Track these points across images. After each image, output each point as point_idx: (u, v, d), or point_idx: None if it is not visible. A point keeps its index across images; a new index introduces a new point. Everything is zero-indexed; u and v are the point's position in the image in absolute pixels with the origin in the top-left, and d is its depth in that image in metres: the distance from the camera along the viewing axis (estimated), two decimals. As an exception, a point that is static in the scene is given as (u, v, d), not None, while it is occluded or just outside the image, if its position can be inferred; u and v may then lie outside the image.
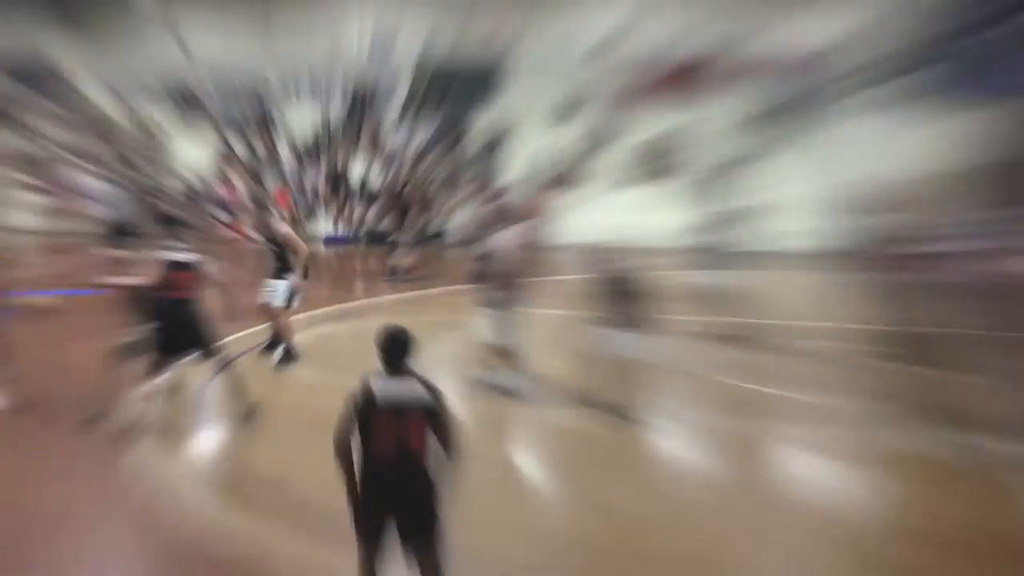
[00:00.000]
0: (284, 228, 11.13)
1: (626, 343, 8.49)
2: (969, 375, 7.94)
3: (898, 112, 31.02)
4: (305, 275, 11.11)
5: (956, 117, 31.92)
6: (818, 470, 7.51)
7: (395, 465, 4.93)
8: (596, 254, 8.77)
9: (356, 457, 4.95)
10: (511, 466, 7.59)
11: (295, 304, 10.98)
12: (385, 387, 4.97)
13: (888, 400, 9.21)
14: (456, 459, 4.99)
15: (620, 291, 8.58)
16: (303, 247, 11.17)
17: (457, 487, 4.97)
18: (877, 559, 5.92)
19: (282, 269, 10.88)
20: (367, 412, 4.94)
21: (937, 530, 6.20)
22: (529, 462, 7.82)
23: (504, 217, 9.88)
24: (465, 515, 5.10)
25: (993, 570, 5.80)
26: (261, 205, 11.46)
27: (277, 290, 10.83)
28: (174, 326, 8.39)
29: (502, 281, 9.26)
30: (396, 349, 5.04)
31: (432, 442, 4.96)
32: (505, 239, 9.40)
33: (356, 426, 4.94)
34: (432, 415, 4.96)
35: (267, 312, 10.94)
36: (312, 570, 5.75)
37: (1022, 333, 8.39)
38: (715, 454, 7.92)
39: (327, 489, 5.23)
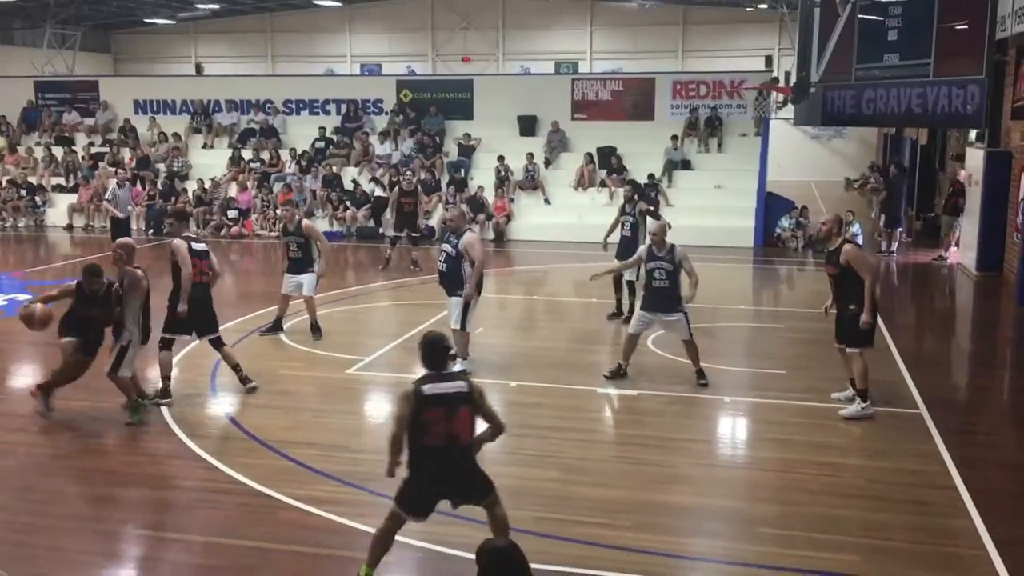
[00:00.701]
0: (307, 222, 11.70)
1: None
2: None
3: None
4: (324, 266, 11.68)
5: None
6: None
7: (447, 454, 5.24)
8: None
9: (413, 448, 5.23)
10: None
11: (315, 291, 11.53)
12: (433, 388, 5.23)
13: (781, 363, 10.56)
14: (500, 433, 5.43)
15: None
16: (325, 240, 11.79)
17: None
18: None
19: (305, 261, 11.44)
20: (420, 410, 5.18)
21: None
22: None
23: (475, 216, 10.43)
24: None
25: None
26: (290, 203, 12.27)
27: (304, 282, 11.39)
28: (198, 306, 9.13)
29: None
30: (438, 354, 5.41)
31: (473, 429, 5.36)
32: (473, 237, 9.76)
33: (409, 423, 5.19)
34: (474, 404, 5.32)
35: (284, 300, 11.62)
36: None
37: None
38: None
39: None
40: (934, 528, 6.40)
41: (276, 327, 11.73)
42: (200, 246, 9.47)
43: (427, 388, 5.23)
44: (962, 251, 17.32)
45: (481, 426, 5.44)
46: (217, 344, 9.47)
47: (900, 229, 19.29)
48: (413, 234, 16.92)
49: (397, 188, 17.58)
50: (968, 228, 16.98)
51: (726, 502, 6.90)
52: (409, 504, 5.36)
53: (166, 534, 6.36)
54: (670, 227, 10.43)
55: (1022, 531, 6.43)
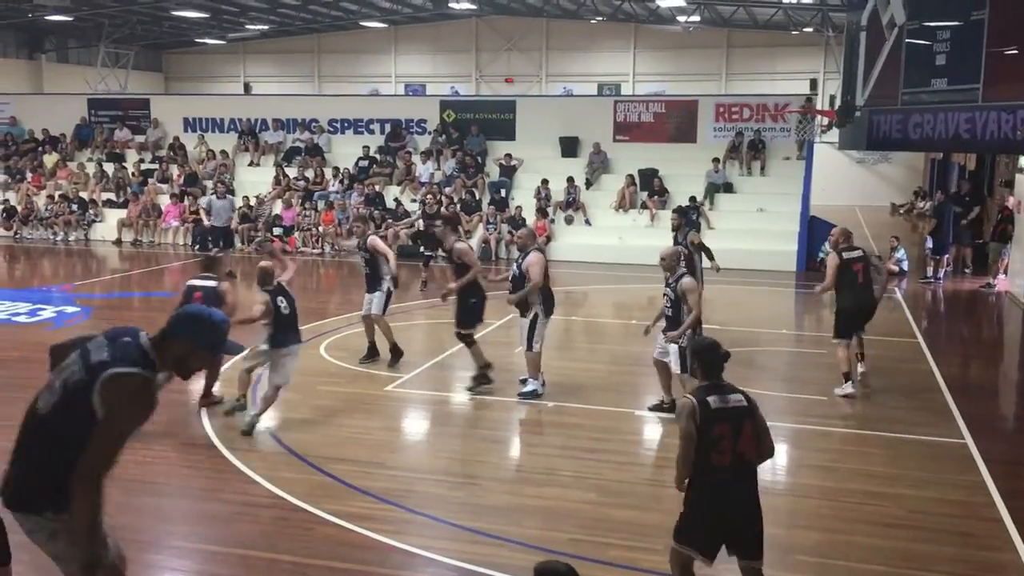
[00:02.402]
0: (373, 238, 11.20)
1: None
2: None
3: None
4: (396, 284, 11.32)
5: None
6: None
7: (732, 474, 4.79)
8: None
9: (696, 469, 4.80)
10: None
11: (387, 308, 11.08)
12: (718, 401, 4.86)
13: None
14: (770, 455, 4.99)
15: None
16: (393, 257, 11.23)
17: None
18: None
19: (374, 278, 11.10)
20: (708, 426, 4.77)
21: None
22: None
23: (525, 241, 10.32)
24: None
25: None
26: (361, 219, 12.16)
27: (374, 301, 11.05)
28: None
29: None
30: (719, 362, 5.02)
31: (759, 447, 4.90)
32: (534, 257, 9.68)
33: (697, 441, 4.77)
34: (755, 421, 4.91)
35: (364, 321, 11.19)
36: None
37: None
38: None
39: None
40: (978, 561, 6.26)
41: (371, 354, 11.30)
42: None
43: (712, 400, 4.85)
44: (1011, 279, 16.99)
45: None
46: None
47: (947, 256, 18.98)
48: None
49: (422, 210, 17.77)
50: (1017, 255, 16.66)
51: (765, 528, 6.80)
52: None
53: (205, 546, 6.42)
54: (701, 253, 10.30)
55: (1070, 566, 6.26)
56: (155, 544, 6.45)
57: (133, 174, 24.46)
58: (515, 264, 9.87)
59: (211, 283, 9.43)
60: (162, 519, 6.88)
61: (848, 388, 9.98)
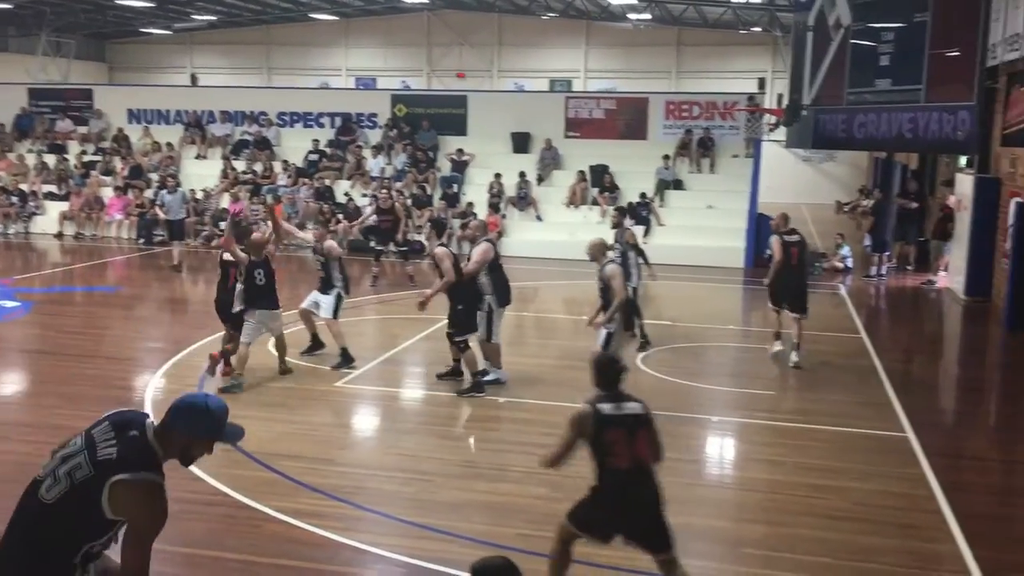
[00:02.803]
0: (330, 243, 11.11)
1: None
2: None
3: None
4: (347, 290, 11.26)
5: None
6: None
7: (630, 477, 5.04)
8: None
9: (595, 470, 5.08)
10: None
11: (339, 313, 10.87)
12: (613, 408, 5.10)
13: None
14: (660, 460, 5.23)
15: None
16: (341, 260, 11.14)
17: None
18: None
19: (327, 281, 10.97)
20: (599, 431, 5.03)
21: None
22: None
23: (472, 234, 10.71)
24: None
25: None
26: (321, 222, 12.11)
27: (322, 304, 10.89)
28: None
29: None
30: (614, 374, 5.27)
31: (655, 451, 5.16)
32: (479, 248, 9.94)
33: (583, 444, 5.06)
34: (649, 427, 5.15)
35: (303, 315, 11.09)
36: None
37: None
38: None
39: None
40: (920, 552, 6.40)
41: (315, 346, 11.22)
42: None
43: (605, 408, 5.11)
44: (951, 276, 17.41)
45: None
46: None
47: (887, 253, 19.37)
48: (401, 248, 17.12)
49: (375, 205, 17.73)
50: (957, 253, 17.07)
51: (712, 522, 6.89)
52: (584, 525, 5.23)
53: (149, 545, 6.30)
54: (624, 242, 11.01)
55: (1006, 556, 6.43)
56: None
57: (75, 166, 23.94)
58: (467, 257, 9.98)
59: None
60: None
61: (777, 346, 11.46)
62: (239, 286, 9.95)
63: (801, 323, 11.25)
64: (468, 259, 10.04)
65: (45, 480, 3.68)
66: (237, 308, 9.95)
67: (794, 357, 11.14)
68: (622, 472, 5.03)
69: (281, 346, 10.37)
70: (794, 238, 11.34)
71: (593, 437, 5.03)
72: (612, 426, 5.04)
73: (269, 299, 9.93)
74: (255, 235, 10.31)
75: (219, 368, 10.04)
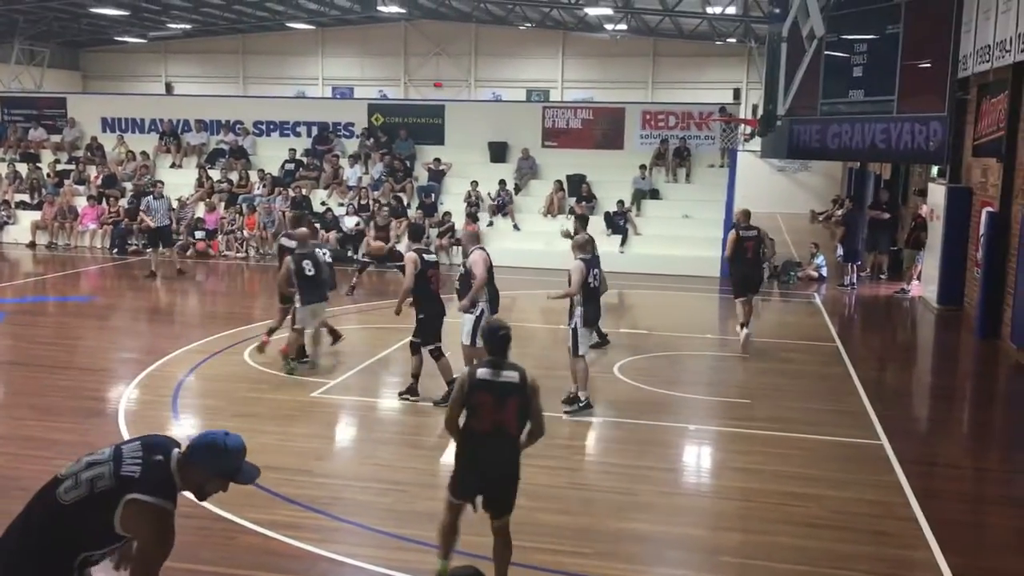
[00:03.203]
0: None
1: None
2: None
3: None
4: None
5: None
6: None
7: (488, 440, 5.31)
8: None
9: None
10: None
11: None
12: (489, 374, 5.35)
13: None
14: (536, 437, 5.46)
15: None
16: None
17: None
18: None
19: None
20: (471, 393, 5.30)
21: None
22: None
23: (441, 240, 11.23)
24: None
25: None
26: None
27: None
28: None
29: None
30: (499, 341, 5.45)
31: (522, 421, 5.36)
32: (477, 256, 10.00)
33: (464, 407, 5.32)
34: (522, 397, 5.33)
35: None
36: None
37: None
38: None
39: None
40: (895, 559, 6.44)
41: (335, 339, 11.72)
42: (431, 257, 10.03)
43: (480, 372, 5.39)
44: (924, 285, 17.58)
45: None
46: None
47: (858, 263, 19.54)
48: (392, 264, 17.16)
49: (373, 224, 17.58)
50: (930, 262, 17.25)
51: (688, 530, 6.91)
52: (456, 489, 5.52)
53: (122, 558, 6.22)
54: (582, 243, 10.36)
55: (980, 562, 6.50)
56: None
57: (48, 175, 23.70)
58: (461, 265, 10.29)
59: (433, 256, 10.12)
60: (77, 531, 6.65)
61: (744, 332, 12.40)
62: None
63: (751, 303, 12.62)
64: (464, 266, 10.07)
65: (66, 480, 3.74)
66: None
67: (745, 331, 12.34)
68: (481, 435, 5.32)
69: (325, 327, 11.28)
70: (751, 233, 12.42)
71: (465, 398, 5.31)
72: (482, 390, 5.30)
73: (314, 292, 10.67)
74: (302, 229, 11.24)
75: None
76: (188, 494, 3.93)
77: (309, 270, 10.56)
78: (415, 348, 9.94)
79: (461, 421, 5.42)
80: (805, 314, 16.35)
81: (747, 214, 12.56)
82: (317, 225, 20.85)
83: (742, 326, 12.48)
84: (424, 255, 9.85)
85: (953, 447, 9.55)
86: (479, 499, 5.47)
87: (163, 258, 18.71)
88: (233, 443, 3.86)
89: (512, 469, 5.42)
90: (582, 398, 9.66)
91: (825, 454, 8.54)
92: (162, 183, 20.62)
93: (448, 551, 5.62)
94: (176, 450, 3.84)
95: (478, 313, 9.85)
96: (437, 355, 9.89)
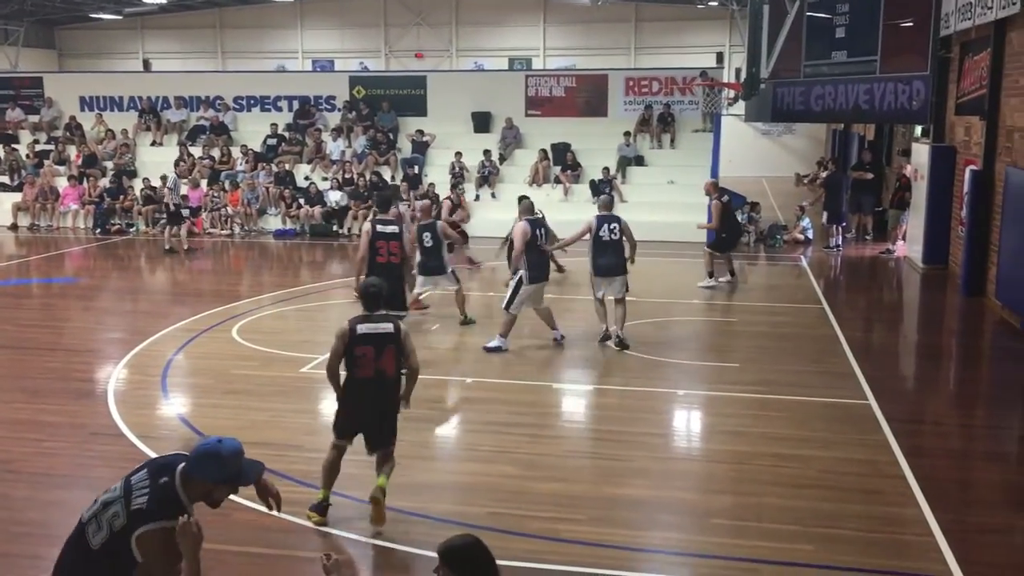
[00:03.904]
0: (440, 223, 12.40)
1: None
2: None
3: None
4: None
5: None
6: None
7: (372, 385, 6.17)
8: None
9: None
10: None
11: None
12: (367, 328, 6.16)
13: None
14: (414, 375, 6.36)
15: None
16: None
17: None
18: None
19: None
20: (352, 346, 6.11)
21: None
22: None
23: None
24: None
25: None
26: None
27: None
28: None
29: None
30: (371, 298, 6.28)
31: (399, 364, 6.21)
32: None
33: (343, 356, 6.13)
34: (399, 345, 6.19)
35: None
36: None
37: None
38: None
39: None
40: (884, 516, 6.52)
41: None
42: (389, 228, 10.09)
43: (360, 327, 6.15)
44: (909, 244, 17.66)
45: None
46: None
47: (843, 224, 19.58)
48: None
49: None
50: (914, 222, 17.31)
51: (680, 494, 6.97)
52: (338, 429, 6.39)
53: (117, 538, 6.23)
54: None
55: (967, 517, 6.58)
56: (66, 538, 6.24)
57: (27, 156, 23.44)
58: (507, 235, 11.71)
59: (392, 228, 10.16)
60: (72, 512, 6.60)
61: (710, 282, 14.58)
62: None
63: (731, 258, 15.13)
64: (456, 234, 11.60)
65: (90, 524, 3.88)
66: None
67: (709, 281, 14.61)
68: (364, 380, 6.17)
69: (460, 298, 11.96)
70: (726, 198, 15.17)
71: (346, 350, 6.12)
72: (362, 343, 6.12)
73: (431, 264, 11.52)
74: (426, 201, 12.99)
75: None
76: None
77: (428, 242, 11.54)
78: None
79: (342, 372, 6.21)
80: (791, 276, 16.41)
81: (715, 184, 15.12)
82: (302, 201, 20.82)
83: (709, 275, 14.68)
84: (378, 226, 10.04)
85: (940, 404, 9.64)
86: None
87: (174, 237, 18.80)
88: (228, 448, 3.86)
89: (390, 409, 6.30)
90: (558, 336, 11.06)
91: (813, 415, 8.61)
92: (184, 161, 20.98)
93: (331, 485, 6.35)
94: (182, 465, 3.87)
95: (516, 280, 10.60)
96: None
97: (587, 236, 10.98)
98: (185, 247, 18.56)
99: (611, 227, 10.79)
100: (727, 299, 14.11)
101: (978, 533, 6.33)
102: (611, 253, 10.85)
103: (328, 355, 6.30)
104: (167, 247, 18.39)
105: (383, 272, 9.75)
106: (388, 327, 6.19)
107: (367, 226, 10.22)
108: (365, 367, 6.12)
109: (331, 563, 3.93)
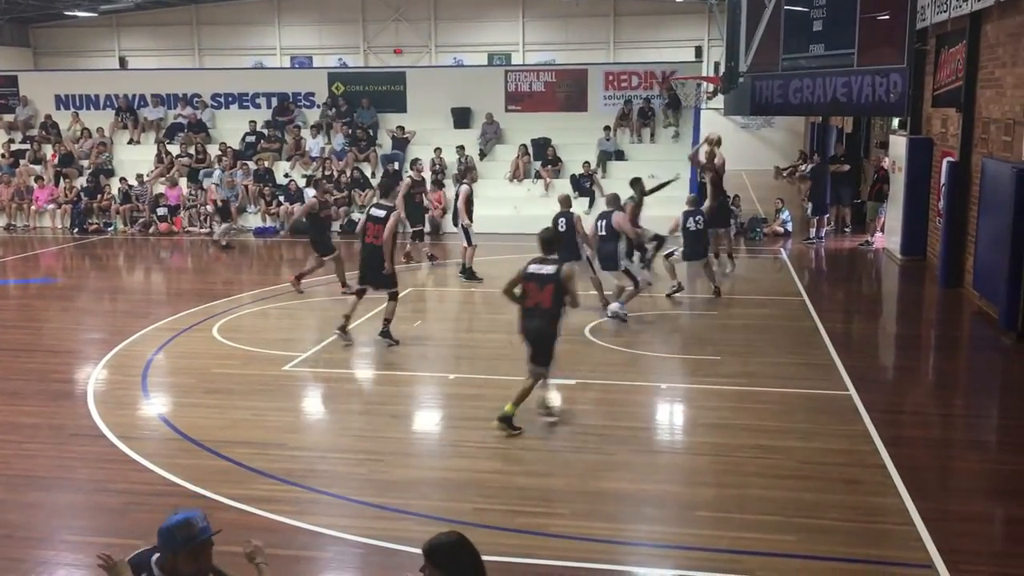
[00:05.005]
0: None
1: None
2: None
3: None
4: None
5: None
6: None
7: (531, 314, 7.85)
8: None
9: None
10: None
11: None
12: (535, 268, 7.83)
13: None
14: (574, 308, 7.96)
15: None
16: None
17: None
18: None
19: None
20: (523, 282, 7.85)
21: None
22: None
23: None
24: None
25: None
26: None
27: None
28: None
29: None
30: (552, 242, 8.00)
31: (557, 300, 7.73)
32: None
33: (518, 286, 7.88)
34: (558, 285, 7.70)
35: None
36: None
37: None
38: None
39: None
40: (865, 506, 6.57)
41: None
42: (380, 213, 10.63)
43: (531, 267, 7.87)
44: (887, 236, 17.78)
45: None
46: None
47: (827, 216, 19.71)
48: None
49: (409, 180, 17.24)
50: (892, 214, 17.43)
51: (664, 487, 7.00)
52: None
53: (100, 539, 6.20)
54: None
55: (947, 506, 6.65)
56: (47, 540, 6.21)
57: (3, 155, 23.19)
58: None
59: (382, 212, 10.63)
60: (53, 514, 6.62)
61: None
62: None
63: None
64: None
65: None
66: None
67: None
68: (528, 309, 7.91)
69: (597, 285, 12.44)
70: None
71: (519, 283, 7.94)
72: (529, 280, 7.87)
73: (570, 249, 11.33)
74: (566, 194, 13.38)
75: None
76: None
77: (561, 227, 11.70)
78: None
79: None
80: (772, 269, 16.50)
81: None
82: (282, 198, 20.72)
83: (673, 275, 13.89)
84: (372, 210, 10.82)
85: (919, 394, 9.72)
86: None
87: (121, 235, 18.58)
88: (174, 521, 3.87)
89: (542, 333, 7.94)
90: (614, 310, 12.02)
91: (794, 406, 8.67)
92: (227, 157, 21.24)
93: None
94: (155, 556, 3.91)
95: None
96: (360, 294, 10.92)
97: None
98: (223, 243, 18.68)
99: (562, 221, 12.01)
100: (707, 292, 14.16)
101: (958, 521, 6.39)
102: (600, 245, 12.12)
103: None
104: (224, 243, 18.68)
105: (367, 251, 10.68)
106: (551, 270, 7.78)
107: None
108: (529, 299, 7.84)
109: (252, 549, 4.08)
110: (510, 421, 7.77)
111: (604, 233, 11.87)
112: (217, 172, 20.95)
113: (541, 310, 7.75)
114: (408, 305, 12.85)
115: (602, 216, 12.01)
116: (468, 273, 14.94)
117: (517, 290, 7.98)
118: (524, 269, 7.82)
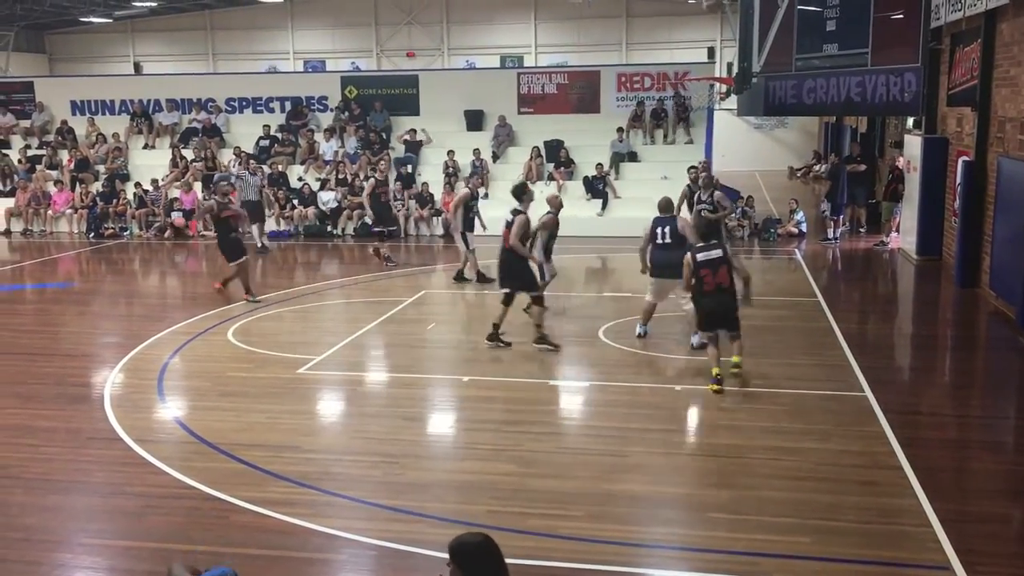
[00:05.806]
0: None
1: None
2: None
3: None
4: None
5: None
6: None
7: (715, 293, 9.03)
8: None
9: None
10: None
11: None
12: (703, 255, 9.07)
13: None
14: (748, 280, 9.40)
15: None
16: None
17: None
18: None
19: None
20: (696, 270, 9.02)
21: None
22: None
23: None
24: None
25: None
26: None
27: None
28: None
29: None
30: (710, 231, 9.65)
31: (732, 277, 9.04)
32: None
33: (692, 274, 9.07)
34: (729, 264, 9.02)
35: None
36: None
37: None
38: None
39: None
40: (881, 508, 6.53)
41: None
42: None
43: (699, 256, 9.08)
44: (902, 236, 17.68)
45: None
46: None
47: (842, 216, 19.62)
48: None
49: (374, 181, 17.25)
50: (908, 213, 17.33)
51: (678, 489, 6.98)
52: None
53: (117, 542, 6.25)
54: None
55: (964, 507, 6.60)
56: (65, 543, 6.25)
57: (20, 161, 23.38)
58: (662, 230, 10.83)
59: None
60: (70, 517, 6.66)
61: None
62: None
63: None
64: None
65: None
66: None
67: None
68: (709, 293, 9.04)
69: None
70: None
71: (693, 271, 9.10)
72: (703, 267, 9.03)
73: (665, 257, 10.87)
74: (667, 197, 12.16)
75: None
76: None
77: (660, 239, 10.74)
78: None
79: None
80: (787, 270, 16.44)
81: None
82: (296, 201, 20.78)
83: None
84: None
85: (936, 395, 9.66)
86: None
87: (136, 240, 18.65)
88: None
89: (732, 307, 9.25)
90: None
91: (810, 407, 8.63)
92: (252, 159, 20.87)
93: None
94: None
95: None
96: (509, 299, 11.03)
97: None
98: (259, 245, 18.51)
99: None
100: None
101: (976, 523, 6.35)
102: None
103: None
104: (259, 245, 18.48)
105: (502, 256, 11.11)
106: (719, 252, 9.04)
107: None
108: (708, 283, 8.95)
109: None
110: (720, 381, 8.96)
111: (669, 240, 10.60)
112: (245, 174, 20.45)
113: (723, 288, 8.98)
114: (421, 308, 12.88)
115: (661, 222, 10.86)
116: (459, 276, 14.89)
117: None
118: (693, 259, 9.01)
